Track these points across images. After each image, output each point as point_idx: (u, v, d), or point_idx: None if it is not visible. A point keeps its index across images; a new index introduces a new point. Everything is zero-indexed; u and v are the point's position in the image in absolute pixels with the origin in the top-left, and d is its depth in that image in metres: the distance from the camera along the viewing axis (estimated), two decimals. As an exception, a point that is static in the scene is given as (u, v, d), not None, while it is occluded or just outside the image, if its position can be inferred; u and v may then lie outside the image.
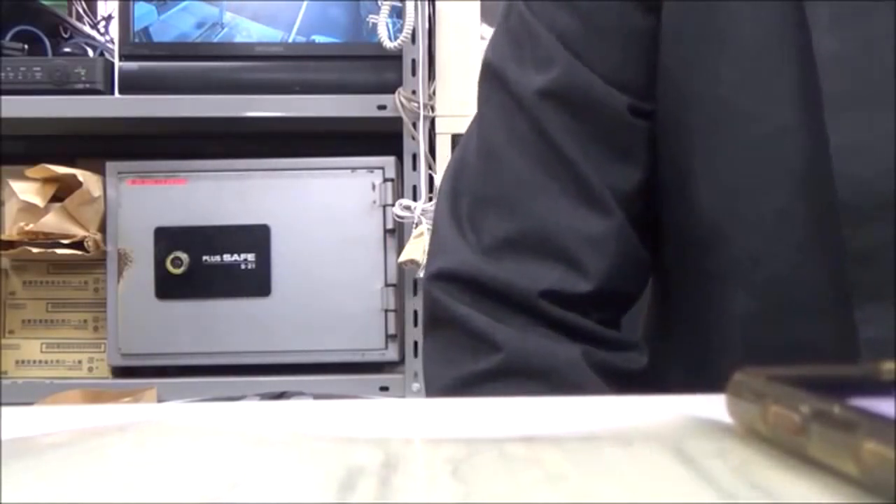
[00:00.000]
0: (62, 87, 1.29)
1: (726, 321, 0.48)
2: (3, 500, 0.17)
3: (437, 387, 0.51)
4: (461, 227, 0.51)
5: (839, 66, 0.41)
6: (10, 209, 1.29)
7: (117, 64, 1.33)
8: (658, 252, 0.54)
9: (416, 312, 1.29)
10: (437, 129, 1.27)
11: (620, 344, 0.50)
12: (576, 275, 0.48)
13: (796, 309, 0.45)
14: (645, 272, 0.53)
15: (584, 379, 0.46)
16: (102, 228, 1.29)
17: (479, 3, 1.29)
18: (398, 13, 1.27)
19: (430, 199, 1.26)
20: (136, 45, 1.33)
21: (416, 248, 1.22)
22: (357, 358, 1.28)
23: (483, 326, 0.48)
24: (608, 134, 0.49)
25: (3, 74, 1.28)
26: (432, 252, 0.54)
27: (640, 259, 0.51)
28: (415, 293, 1.29)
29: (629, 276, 0.51)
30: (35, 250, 1.26)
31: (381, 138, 1.30)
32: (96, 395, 1.25)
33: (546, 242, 0.48)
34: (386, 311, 1.27)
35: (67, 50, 1.41)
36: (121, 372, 1.31)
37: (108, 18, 1.60)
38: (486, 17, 1.30)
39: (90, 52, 1.46)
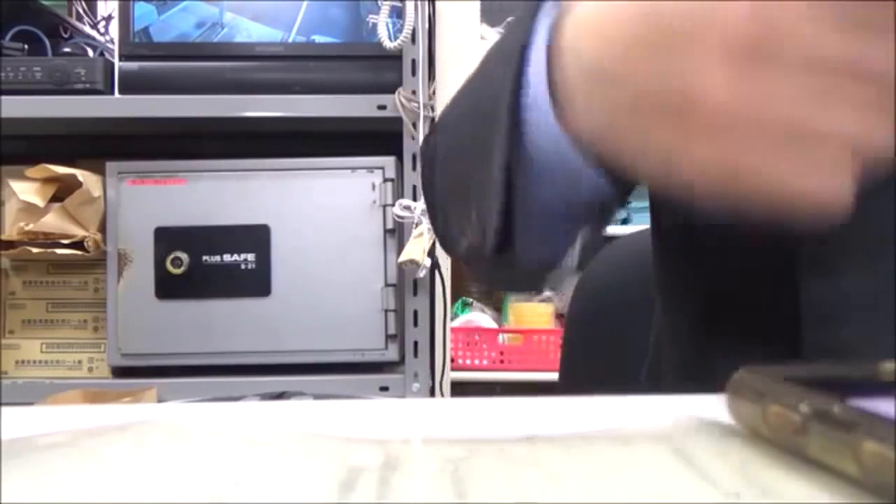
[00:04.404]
0: (62, 87, 1.29)
1: (694, 297, 0.51)
2: (3, 500, 0.17)
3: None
4: None
5: None
6: (10, 209, 1.29)
7: (117, 64, 1.33)
8: (663, 262, 0.56)
9: (416, 312, 1.29)
10: (438, 129, 1.27)
11: None
12: None
13: (754, 283, 0.47)
14: None
15: None
16: (102, 228, 1.29)
17: (479, 3, 1.29)
18: (398, 13, 1.27)
19: (430, 199, 1.26)
20: (136, 45, 1.33)
21: (416, 248, 1.22)
22: (357, 358, 1.28)
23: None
24: None
25: (3, 74, 1.28)
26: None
27: None
28: (415, 293, 1.29)
29: None
30: (35, 250, 1.26)
31: (381, 138, 1.30)
32: (96, 395, 1.25)
33: None
34: (386, 311, 1.27)
35: (67, 50, 1.41)
36: (121, 372, 1.31)
37: (108, 18, 1.61)
38: (486, 17, 1.30)
39: (90, 52, 1.46)
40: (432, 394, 1.29)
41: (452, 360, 1.41)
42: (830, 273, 0.43)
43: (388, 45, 1.23)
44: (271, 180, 1.29)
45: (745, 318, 0.47)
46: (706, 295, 0.51)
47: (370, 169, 1.28)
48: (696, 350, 0.52)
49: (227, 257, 1.28)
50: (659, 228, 0.56)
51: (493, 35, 1.33)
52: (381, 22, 1.24)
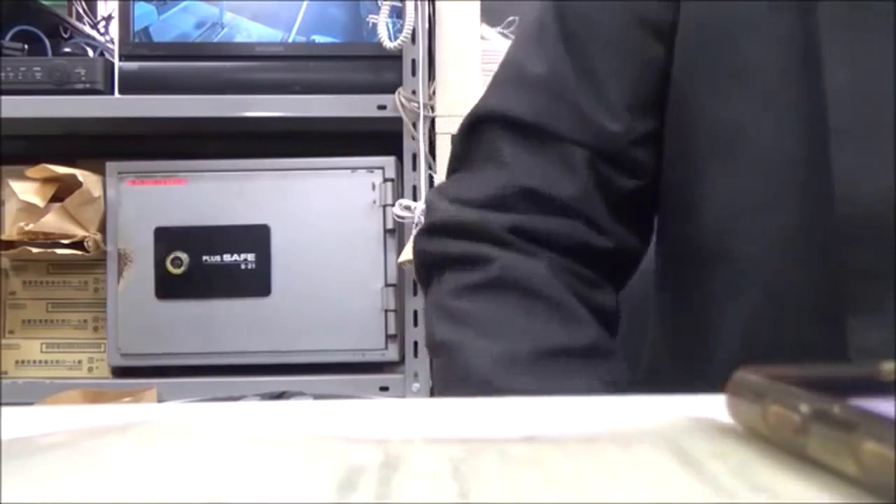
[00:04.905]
0: (62, 87, 1.29)
1: (729, 330, 0.50)
2: (3, 500, 0.17)
3: (441, 293, 0.53)
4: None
5: (847, 98, 0.44)
6: (10, 209, 1.29)
7: (117, 64, 1.33)
8: (663, 266, 0.56)
9: (416, 312, 1.28)
10: (437, 129, 1.27)
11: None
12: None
13: (795, 319, 0.47)
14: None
15: (552, 290, 0.49)
16: (102, 228, 1.29)
17: (479, 3, 1.29)
18: (398, 13, 1.27)
19: (430, 199, 1.26)
20: (136, 45, 1.33)
21: (416, 248, 1.21)
22: (357, 358, 1.28)
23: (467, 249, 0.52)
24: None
25: (3, 74, 1.28)
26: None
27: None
28: (415, 293, 1.29)
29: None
30: (35, 250, 1.26)
31: (381, 138, 1.30)
32: (96, 395, 1.25)
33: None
34: (386, 311, 1.27)
35: (67, 50, 1.41)
36: (121, 372, 1.31)
37: (108, 18, 1.60)
38: (486, 17, 1.30)
39: (90, 52, 1.46)
40: (432, 394, 1.29)
41: (452, 360, 1.40)
42: (878, 309, 0.42)
43: (388, 45, 1.23)
44: (271, 180, 1.29)
45: (786, 354, 0.47)
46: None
47: (370, 169, 1.28)
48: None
49: (227, 257, 1.28)
50: (662, 241, 0.56)
51: (493, 35, 1.33)
52: (381, 22, 1.23)
